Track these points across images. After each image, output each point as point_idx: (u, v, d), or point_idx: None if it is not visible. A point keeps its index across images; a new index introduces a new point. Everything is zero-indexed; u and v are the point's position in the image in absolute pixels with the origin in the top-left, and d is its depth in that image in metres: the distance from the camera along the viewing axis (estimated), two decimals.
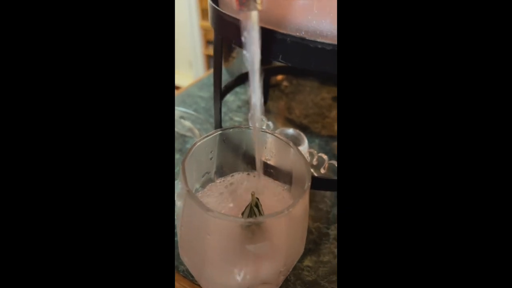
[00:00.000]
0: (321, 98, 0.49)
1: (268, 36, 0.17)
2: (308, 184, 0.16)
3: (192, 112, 0.41)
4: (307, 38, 0.16)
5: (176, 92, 0.50)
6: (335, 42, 0.15)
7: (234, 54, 0.48)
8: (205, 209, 0.14)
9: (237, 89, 0.47)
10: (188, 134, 0.39)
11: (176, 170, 0.33)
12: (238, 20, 0.16)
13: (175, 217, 0.19)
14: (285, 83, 0.53)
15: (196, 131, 0.38)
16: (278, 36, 0.16)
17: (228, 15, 0.19)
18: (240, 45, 0.19)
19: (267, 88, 0.46)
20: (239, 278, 0.16)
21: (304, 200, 0.16)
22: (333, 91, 0.49)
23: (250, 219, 0.16)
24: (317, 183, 0.27)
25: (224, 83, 0.41)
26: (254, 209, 0.19)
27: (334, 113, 0.47)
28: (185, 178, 0.16)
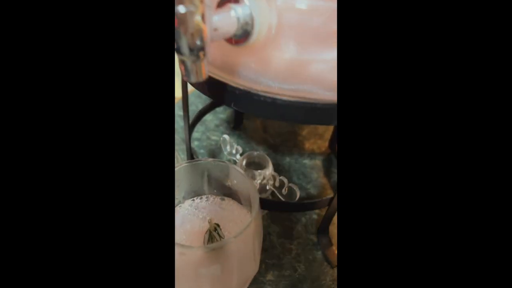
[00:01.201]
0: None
1: (222, 87, 0.20)
2: (254, 212, 0.19)
3: None
4: (251, 91, 0.19)
5: None
6: (275, 96, 0.18)
7: None
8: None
9: (217, 108, 0.50)
10: None
11: None
12: None
13: None
14: None
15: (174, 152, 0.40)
16: (229, 88, 0.19)
17: None
18: (202, 91, 0.22)
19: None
20: None
21: (251, 228, 0.19)
22: None
23: (200, 246, 0.19)
24: (278, 205, 0.30)
25: (204, 103, 0.43)
26: (213, 233, 0.22)
27: (306, 131, 0.50)
28: None
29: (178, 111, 0.51)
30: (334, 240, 0.32)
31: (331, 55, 0.17)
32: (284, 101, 0.18)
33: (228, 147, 0.37)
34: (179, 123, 0.49)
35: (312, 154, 0.45)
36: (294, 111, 0.18)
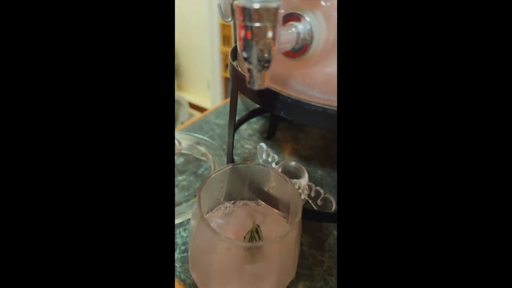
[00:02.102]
0: (327, 130, 0.53)
1: (274, 96, 0.21)
2: (298, 217, 0.20)
3: (207, 139, 0.45)
4: (302, 100, 0.20)
5: (194, 118, 0.56)
6: (324, 105, 0.19)
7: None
8: (213, 232, 0.18)
9: (251, 119, 0.52)
10: (203, 158, 0.43)
11: (190, 192, 0.37)
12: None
13: (188, 235, 0.23)
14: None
15: (210, 156, 0.42)
16: (281, 97, 0.21)
17: (242, 73, 0.23)
18: (252, 98, 0.24)
19: (277, 119, 0.50)
20: None
21: (293, 232, 0.19)
22: None
23: (249, 243, 0.20)
24: (313, 215, 0.30)
25: (240, 115, 0.46)
26: (254, 234, 0.23)
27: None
28: (200, 204, 0.20)
29: (215, 119, 0.54)
30: None
31: None
32: (334, 111, 0.19)
33: (264, 155, 0.39)
34: (215, 131, 0.51)
35: None
36: (319, 115, 0.19)
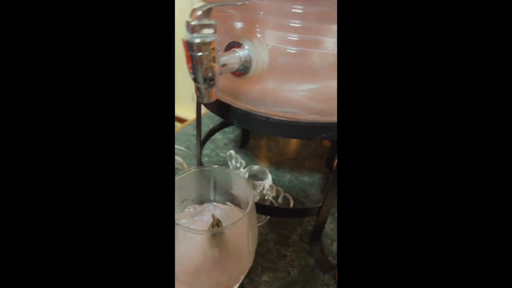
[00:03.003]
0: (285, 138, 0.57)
1: (228, 107, 0.25)
2: (250, 206, 0.23)
3: (183, 149, 0.49)
4: (249, 111, 0.24)
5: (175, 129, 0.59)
6: (267, 115, 0.23)
7: None
8: (177, 223, 0.21)
9: (226, 128, 0.56)
10: (179, 167, 0.46)
11: None
12: None
13: None
14: None
15: (185, 165, 0.46)
16: (233, 109, 0.25)
17: None
18: (212, 110, 0.28)
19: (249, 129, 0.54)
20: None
21: (245, 219, 0.23)
22: None
23: (205, 230, 0.23)
24: (275, 211, 0.34)
25: (215, 123, 0.49)
26: (215, 227, 0.26)
27: (306, 152, 0.54)
28: None
29: (192, 131, 0.58)
30: (325, 250, 0.35)
31: (311, 86, 0.22)
32: (275, 119, 0.23)
33: (233, 161, 0.42)
34: (192, 141, 0.54)
35: (311, 173, 0.49)
36: (282, 127, 0.23)
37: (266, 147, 0.55)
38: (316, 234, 0.34)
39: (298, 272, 0.33)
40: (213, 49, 0.18)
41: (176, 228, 0.21)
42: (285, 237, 0.37)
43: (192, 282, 0.23)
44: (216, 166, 0.29)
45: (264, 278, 0.32)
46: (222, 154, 0.52)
